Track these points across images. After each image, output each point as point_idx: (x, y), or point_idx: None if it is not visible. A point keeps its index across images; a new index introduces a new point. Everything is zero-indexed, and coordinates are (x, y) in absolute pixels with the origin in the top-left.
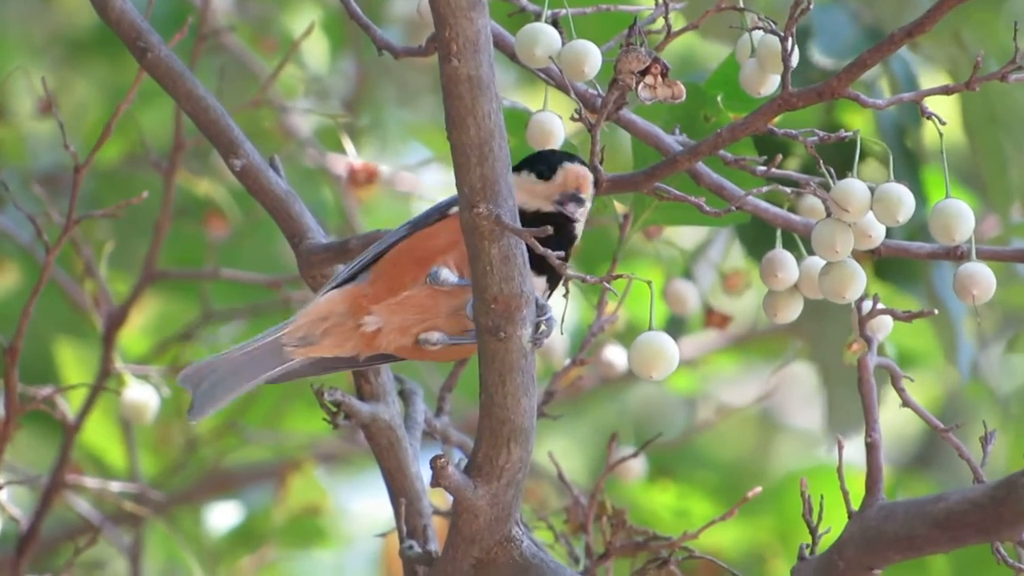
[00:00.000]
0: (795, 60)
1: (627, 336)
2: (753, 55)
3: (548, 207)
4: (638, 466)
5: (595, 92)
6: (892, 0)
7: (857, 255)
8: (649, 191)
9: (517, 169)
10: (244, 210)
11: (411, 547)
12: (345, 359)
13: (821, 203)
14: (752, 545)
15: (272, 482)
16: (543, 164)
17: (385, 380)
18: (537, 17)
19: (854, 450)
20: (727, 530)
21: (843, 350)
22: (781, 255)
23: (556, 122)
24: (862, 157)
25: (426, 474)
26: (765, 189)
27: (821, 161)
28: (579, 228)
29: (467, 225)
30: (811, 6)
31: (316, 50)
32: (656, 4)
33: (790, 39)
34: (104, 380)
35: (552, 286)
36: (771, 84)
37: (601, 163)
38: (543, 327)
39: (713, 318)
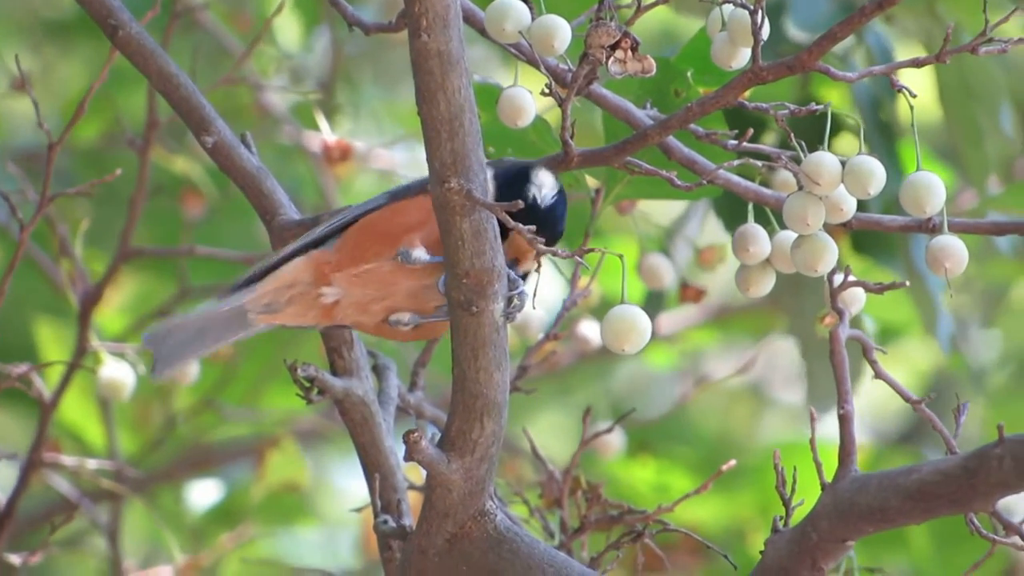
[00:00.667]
0: (765, 33)
1: (602, 311)
2: (724, 29)
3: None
4: (616, 441)
5: (566, 67)
6: None
7: (831, 229)
8: (620, 165)
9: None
10: (220, 188)
11: (385, 522)
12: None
13: (793, 177)
14: (732, 519)
15: (251, 459)
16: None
17: (358, 355)
18: None
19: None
20: (707, 504)
21: (815, 323)
22: (753, 229)
23: (527, 97)
24: (839, 131)
25: (400, 449)
26: (736, 163)
27: (792, 134)
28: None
29: (438, 200)
30: None
31: (291, 28)
32: None
33: (760, 12)
34: (80, 358)
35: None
36: (742, 58)
37: (572, 138)
38: (516, 301)
39: (688, 292)
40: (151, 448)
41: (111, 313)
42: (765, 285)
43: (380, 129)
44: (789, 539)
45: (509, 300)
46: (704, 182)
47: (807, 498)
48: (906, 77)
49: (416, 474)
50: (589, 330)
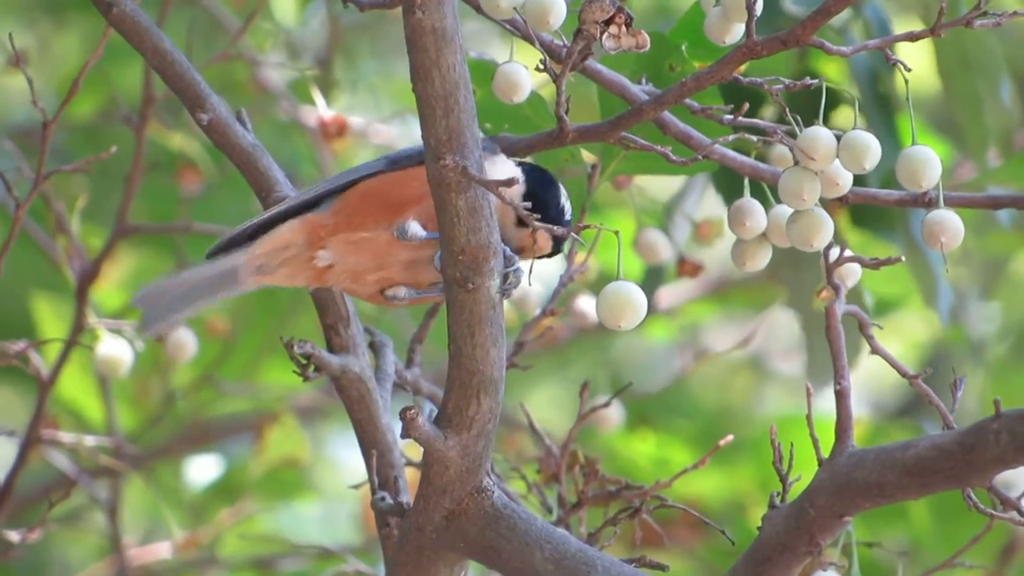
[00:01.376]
0: (760, 8)
1: (600, 286)
2: (718, 3)
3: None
4: (615, 415)
5: (560, 43)
6: None
7: (827, 203)
8: (615, 141)
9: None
10: (217, 164)
11: (383, 499)
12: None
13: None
14: (732, 493)
15: (250, 435)
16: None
17: (355, 332)
18: None
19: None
20: (707, 479)
21: (813, 297)
22: (749, 204)
23: (522, 73)
24: (837, 106)
25: (397, 426)
26: (732, 138)
27: (787, 109)
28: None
29: (433, 177)
30: None
31: (287, 3)
32: None
33: None
34: (78, 335)
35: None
36: (736, 33)
37: (567, 113)
38: (511, 278)
39: (685, 267)
40: (150, 424)
41: (109, 290)
42: (761, 259)
43: (378, 104)
44: (786, 515)
45: (505, 277)
46: (700, 157)
47: (805, 473)
48: (904, 50)
49: (415, 451)
50: (587, 306)
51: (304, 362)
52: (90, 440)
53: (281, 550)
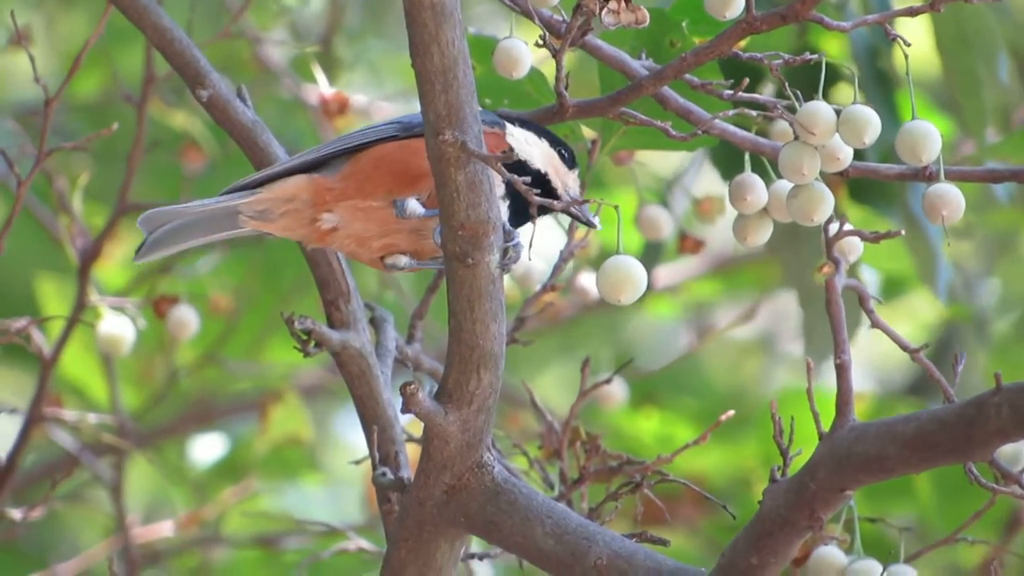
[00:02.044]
0: None
1: (601, 263)
2: None
3: (563, 195)
4: (619, 392)
5: (560, 18)
6: None
7: (828, 178)
8: (615, 116)
9: (537, 131)
10: (220, 142)
11: (383, 474)
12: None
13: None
14: (736, 470)
15: (254, 414)
16: (565, 149)
17: (356, 308)
18: None
19: (857, 377)
20: (710, 455)
21: (813, 272)
22: (750, 179)
23: (523, 49)
24: (836, 82)
25: (398, 401)
26: (732, 113)
27: (787, 84)
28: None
29: (433, 152)
30: None
31: None
32: None
33: None
34: (80, 313)
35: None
36: (736, 8)
37: (567, 88)
38: (511, 253)
39: (687, 243)
40: (154, 403)
41: (113, 268)
42: (762, 234)
43: (381, 82)
44: (787, 489)
45: (504, 251)
46: (700, 132)
47: (808, 448)
48: (904, 28)
49: (417, 427)
50: (588, 282)
51: (305, 337)
52: (93, 418)
53: (285, 528)
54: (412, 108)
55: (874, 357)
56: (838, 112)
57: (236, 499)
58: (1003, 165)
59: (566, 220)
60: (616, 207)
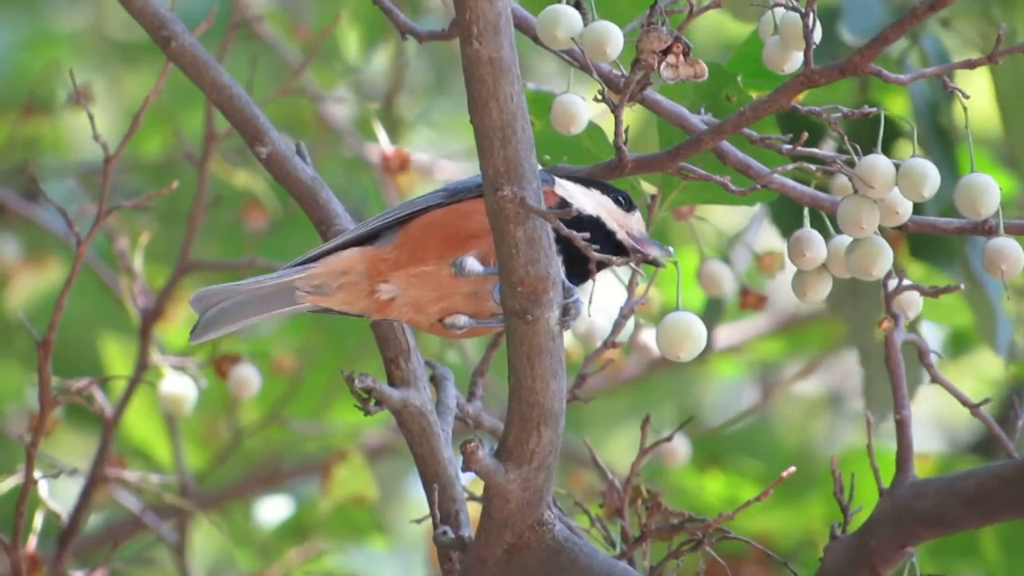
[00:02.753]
0: (818, 36)
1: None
2: (776, 32)
3: (625, 238)
4: (682, 450)
5: (618, 73)
6: None
7: (888, 234)
8: (674, 171)
9: (584, 183)
10: (282, 201)
11: (444, 533)
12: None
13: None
14: (802, 530)
15: (320, 474)
16: (621, 195)
17: (416, 366)
18: None
19: (919, 433)
20: (776, 515)
21: (874, 327)
22: (808, 234)
23: (580, 104)
24: (896, 138)
25: (458, 460)
26: (791, 167)
27: (846, 138)
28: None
29: (492, 208)
30: None
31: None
32: None
33: (811, 15)
34: (142, 373)
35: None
36: (794, 61)
37: (625, 143)
38: (571, 309)
39: (748, 299)
40: (217, 463)
41: (177, 329)
42: (822, 290)
43: (444, 141)
44: (848, 545)
45: (565, 308)
46: (759, 186)
47: (869, 505)
48: (965, 83)
49: (479, 486)
50: (650, 338)
51: (365, 396)
52: (155, 479)
53: None
54: (474, 166)
55: (942, 415)
56: (897, 166)
57: (301, 560)
58: None
59: (625, 274)
60: (676, 262)
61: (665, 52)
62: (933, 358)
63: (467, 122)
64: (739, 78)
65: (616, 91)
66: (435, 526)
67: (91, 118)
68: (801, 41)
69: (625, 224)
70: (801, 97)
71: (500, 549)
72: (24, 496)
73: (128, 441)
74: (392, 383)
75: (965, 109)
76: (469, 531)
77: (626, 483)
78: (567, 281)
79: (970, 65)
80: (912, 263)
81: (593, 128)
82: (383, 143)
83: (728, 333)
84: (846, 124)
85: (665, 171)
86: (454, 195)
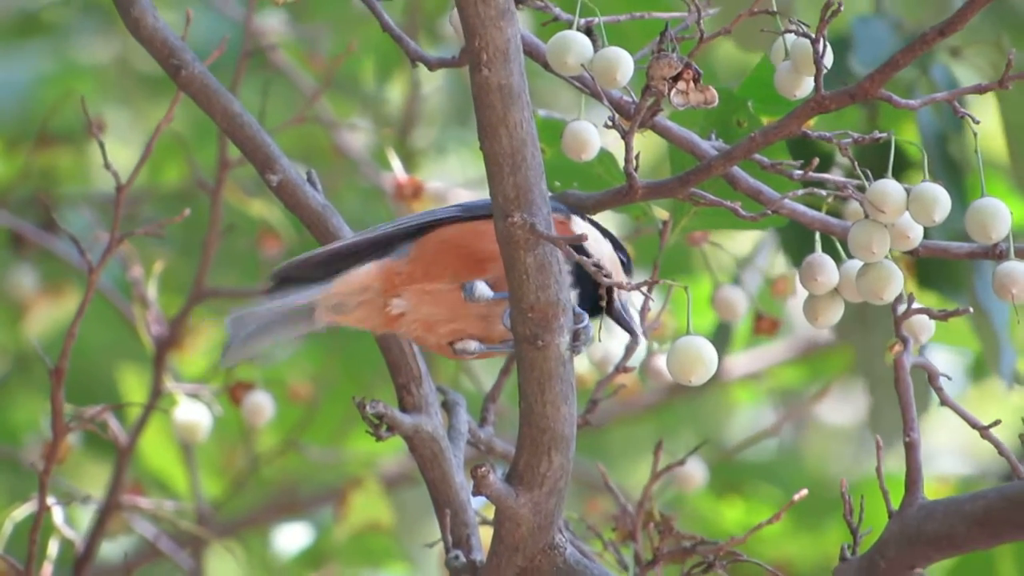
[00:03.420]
0: (829, 62)
1: None
2: (787, 58)
3: (617, 298)
4: (698, 475)
5: (629, 99)
6: (933, 8)
7: (897, 259)
8: (684, 196)
9: (601, 231)
10: (298, 230)
11: (456, 557)
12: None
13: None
14: (821, 556)
15: (337, 502)
16: (627, 258)
17: (428, 391)
18: (570, 25)
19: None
20: (796, 541)
21: (885, 352)
22: (820, 259)
23: (591, 130)
24: (906, 167)
25: (470, 484)
26: (801, 192)
27: (856, 163)
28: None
29: (502, 235)
30: (842, 8)
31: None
32: (689, 10)
33: (822, 41)
34: (156, 400)
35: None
36: (806, 87)
37: (636, 169)
38: (581, 335)
39: (762, 324)
40: (234, 490)
41: (194, 358)
42: (833, 315)
43: (461, 169)
44: (857, 567)
45: (575, 334)
46: (769, 212)
47: (878, 527)
48: (974, 113)
49: (492, 510)
50: (663, 363)
51: (377, 422)
52: (170, 506)
53: None
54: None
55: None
56: (908, 191)
57: None
58: None
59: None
60: (685, 287)
61: (675, 78)
62: (943, 381)
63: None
64: (750, 103)
65: (627, 117)
66: (447, 550)
67: (102, 147)
68: (812, 67)
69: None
70: (812, 123)
71: (511, 573)
72: (38, 523)
73: (145, 469)
74: (404, 409)
75: (975, 135)
76: (481, 555)
77: (639, 507)
78: (577, 307)
79: (980, 90)
80: (919, 292)
81: (604, 155)
82: (397, 171)
83: (747, 360)
84: (856, 150)
85: (676, 197)
86: (469, 211)
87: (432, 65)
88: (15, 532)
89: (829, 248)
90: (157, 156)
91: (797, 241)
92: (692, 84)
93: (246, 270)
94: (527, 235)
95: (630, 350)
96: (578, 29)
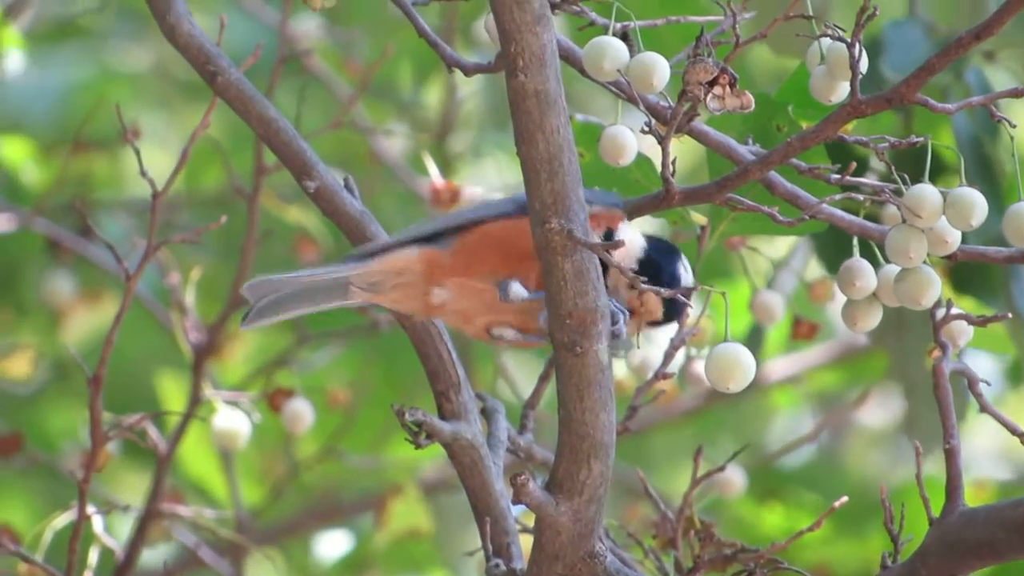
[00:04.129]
0: (864, 66)
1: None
2: (823, 63)
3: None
4: (738, 481)
5: (666, 104)
6: (967, 12)
7: (935, 263)
8: (722, 202)
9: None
10: (334, 235)
11: (496, 566)
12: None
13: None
14: (863, 562)
15: (377, 509)
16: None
17: (466, 399)
18: (606, 30)
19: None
20: (837, 547)
21: (924, 357)
22: (858, 263)
23: (628, 135)
24: (942, 172)
25: (510, 492)
26: (839, 197)
27: (893, 167)
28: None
29: (540, 241)
30: (877, 12)
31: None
32: (724, 15)
33: (857, 45)
34: (195, 408)
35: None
36: (841, 91)
37: (673, 175)
38: (619, 334)
39: (800, 328)
40: (274, 498)
41: (233, 365)
42: (872, 319)
43: (499, 174)
44: (898, 575)
45: (612, 334)
46: (807, 217)
47: (918, 533)
48: (1010, 116)
49: (532, 518)
50: (701, 369)
51: (416, 430)
52: (209, 514)
53: None
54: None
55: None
56: (944, 195)
57: None
58: None
59: None
60: (724, 293)
61: (712, 83)
62: (982, 387)
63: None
64: (789, 108)
65: (663, 122)
66: (487, 559)
67: (138, 155)
68: (847, 71)
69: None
70: (849, 127)
71: None
72: (77, 532)
73: (184, 477)
74: (443, 416)
75: (1012, 138)
76: (521, 563)
77: (679, 513)
78: (616, 305)
79: (1017, 94)
80: (956, 297)
81: (642, 159)
82: (434, 176)
83: (785, 364)
84: (892, 155)
85: (713, 202)
86: (523, 209)
87: (468, 71)
88: (55, 541)
89: (867, 252)
90: (193, 162)
91: (832, 245)
92: (728, 89)
93: None
94: (564, 241)
95: (669, 356)
96: (614, 34)
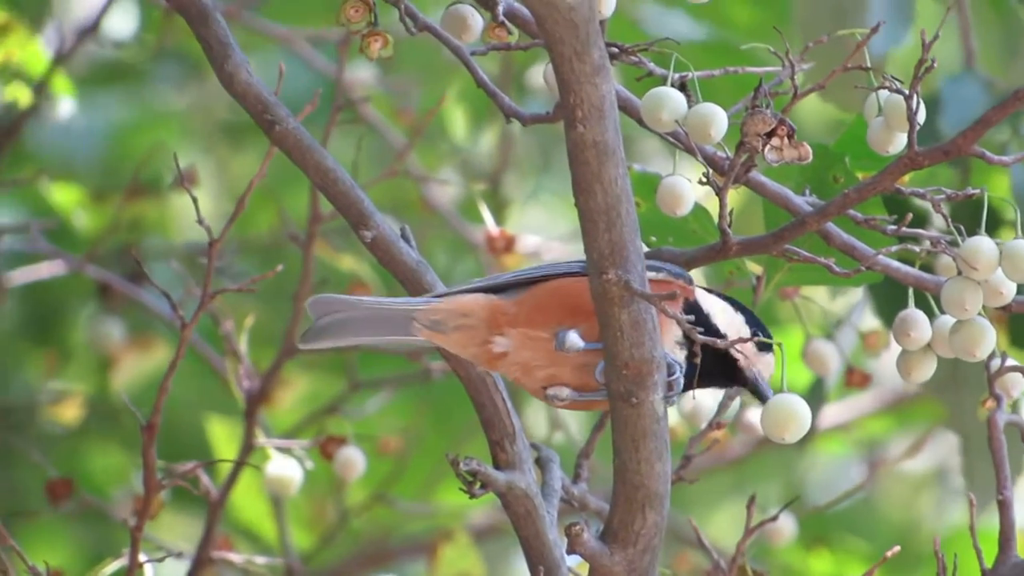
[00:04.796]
0: (922, 118)
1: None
2: (880, 114)
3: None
4: (788, 529)
5: (723, 155)
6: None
7: (990, 316)
8: (778, 253)
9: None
10: (387, 284)
11: None
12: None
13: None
14: None
15: (427, 555)
16: (761, 333)
17: (521, 448)
18: (664, 81)
19: None
20: None
21: (979, 408)
22: (914, 314)
23: (686, 186)
24: (1000, 224)
25: (563, 542)
26: (895, 248)
27: (949, 219)
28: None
29: (597, 291)
30: (935, 65)
31: (459, 122)
32: (783, 66)
33: (915, 97)
34: (247, 455)
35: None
36: (899, 143)
37: (730, 226)
38: (674, 385)
39: (854, 377)
40: (324, 543)
41: (284, 411)
42: (926, 370)
43: (553, 221)
44: None
45: (668, 385)
46: (863, 268)
47: None
48: None
49: (586, 568)
50: (755, 418)
51: (470, 479)
52: (261, 560)
53: None
54: (581, 247)
55: None
56: (1000, 247)
57: None
58: None
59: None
60: (779, 344)
61: (770, 134)
62: None
63: (574, 201)
64: (847, 159)
65: (720, 173)
66: None
67: (195, 202)
68: (905, 123)
69: (754, 359)
70: (906, 179)
71: None
72: None
73: (235, 522)
74: (497, 466)
75: None
76: None
77: (731, 563)
78: (670, 355)
79: None
80: (1012, 350)
81: (699, 210)
82: (488, 224)
83: (835, 411)
84: (949, 207)
85: (770, 253)
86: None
87: (526, 121)
88: None
89: (922, 303)
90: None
91: (887, 296)
92: (786, 140)
93: None
94: (622, 292)
95: (724, 406)
96: (672, 84)
